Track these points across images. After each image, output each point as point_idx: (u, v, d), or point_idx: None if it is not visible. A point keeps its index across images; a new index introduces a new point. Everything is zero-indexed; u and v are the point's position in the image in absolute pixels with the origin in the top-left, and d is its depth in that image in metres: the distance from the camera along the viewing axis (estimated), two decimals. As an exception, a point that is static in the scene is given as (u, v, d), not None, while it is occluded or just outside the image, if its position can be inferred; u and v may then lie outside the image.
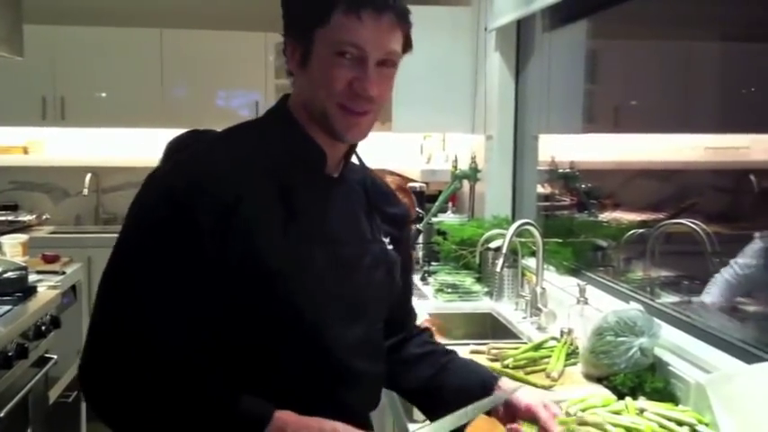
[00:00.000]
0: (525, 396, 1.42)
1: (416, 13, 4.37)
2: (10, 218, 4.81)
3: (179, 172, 1.19)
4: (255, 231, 1.18)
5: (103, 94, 4.97)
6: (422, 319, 2.73)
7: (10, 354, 2.40)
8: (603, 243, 2.94)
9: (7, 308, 2.63)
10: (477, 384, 1.44)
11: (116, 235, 1.26)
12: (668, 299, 2.41)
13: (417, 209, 3.67)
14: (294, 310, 1.21)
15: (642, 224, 3.04)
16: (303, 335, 1.23)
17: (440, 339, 2.41)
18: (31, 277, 2.99)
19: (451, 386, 1.45)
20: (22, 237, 3.48)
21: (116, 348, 1.15)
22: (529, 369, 2.05)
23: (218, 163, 1.20)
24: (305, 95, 1.25)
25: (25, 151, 5.16)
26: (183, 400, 1.14)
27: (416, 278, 3.34)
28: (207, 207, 1.14)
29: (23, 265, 2.95)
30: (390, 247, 1.40)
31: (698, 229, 2.47)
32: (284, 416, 1.15)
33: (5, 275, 2.77)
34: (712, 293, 2.38)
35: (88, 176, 5.01)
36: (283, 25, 1.25)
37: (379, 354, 1.41)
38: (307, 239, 1.23)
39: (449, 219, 3.67)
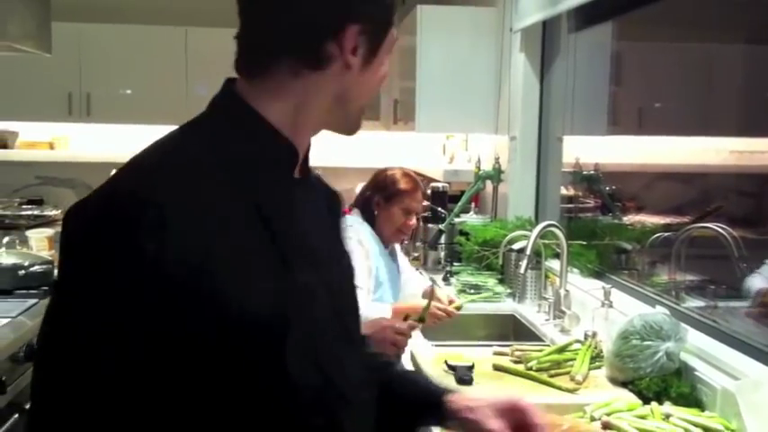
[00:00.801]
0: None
1: (441, 14, 4.41)
2: (36, 212, 4.85)
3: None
4: (234, 279, 0.89)
5: (128, 91, 5.02)
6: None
7: (36, 347, 2.42)
8: (628, 246, 2.93)
9: (33, 301, 2.66)
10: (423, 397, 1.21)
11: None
12: (694, 303, 2.39)
13: (440, 209, 3.67)
14: (314, 373, 0.96)
15: (666, 227, 3.02)
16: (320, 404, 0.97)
17: (461, 341, 2.42)
18: (57, 271, 3.01)
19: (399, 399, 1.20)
20: (48, 231, 3.51)
21: None
22: (553, 372, 2.05)
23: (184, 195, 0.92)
24: (344, 90, 1.04)
25: (51, 147, 5.22)
26: None
27: (439, 278, 3.35)
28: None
29: (50, 259, 2.98)
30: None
31: (724, 233, 2.44)
32: None
33: (32, 269, 2.80)
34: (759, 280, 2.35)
35: (112, 172, 5.02)
36: (356, 13, 1.00)
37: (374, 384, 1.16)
38: (296, 269, 0.97)
39: (471, 219, 3.67)
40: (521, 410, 1.13)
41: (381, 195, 2.69)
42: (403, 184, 2.69)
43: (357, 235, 2.57)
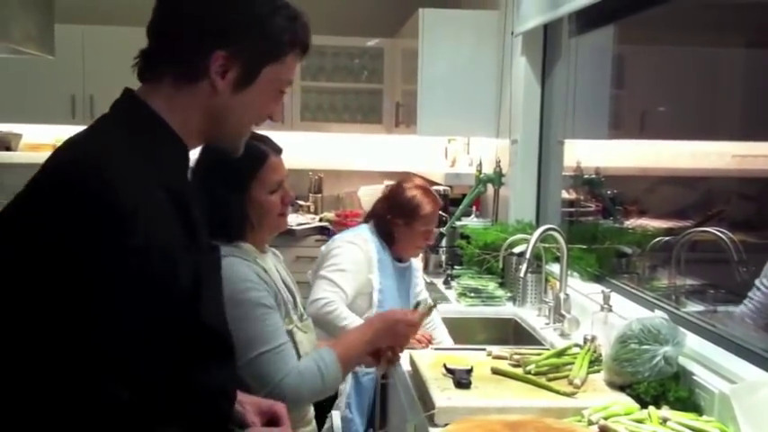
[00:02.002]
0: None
1: (443, 17, 4.42)
2: (38, 214, 4.87)
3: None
4: (164, 252, 1.08)
5: (131, 94, 5.03)
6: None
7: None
8: (628, 250, 2.93)
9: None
10: None
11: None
12: (693, 308, 2.39)
13: (441, 212, 3.67)
14: (214, 333, 1.20)
15: (668, 231, 3.01)
16: (222, 359, 1.22)
17: (461, 344, 2.43)
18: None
19: None
20: (50, 234, 3.52)
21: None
22: (551, 376, 2.04)
23: (111, 185, 1.07)
24: (216, 110, 1.20)
25: (54, 149, 5.22)
26: None
27: (439, 282, 3.35)
28: (140, 240, 1.05)
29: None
30: None
31: (724, 237, 2.44)
32: None
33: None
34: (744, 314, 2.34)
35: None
36: (220, 38, 1.17)
37: None
38: (199, 250, 1.18)
39: (472, 223, 3.67)
40: (276, 415, 1.40)
41: (403, 218, 2.67)
42: (427, 208, 2.69)
43: (364, 244, 2.57)
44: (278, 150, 1.93)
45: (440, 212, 3.68)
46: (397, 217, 2.67)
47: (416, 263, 2.90)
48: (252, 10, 1.19)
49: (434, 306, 2.15)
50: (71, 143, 1.17)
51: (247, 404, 1.37)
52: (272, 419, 1.40)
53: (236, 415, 1.32)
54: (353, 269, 2.50)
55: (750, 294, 2.23)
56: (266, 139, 1.91)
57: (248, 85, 1.20)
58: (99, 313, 1.02)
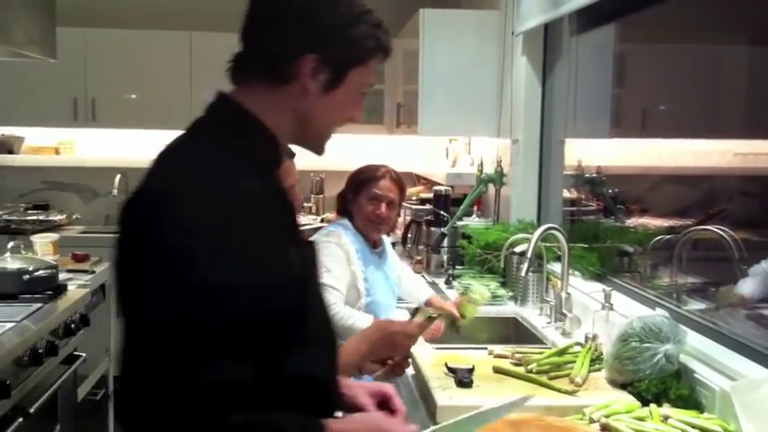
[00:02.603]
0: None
1: (443, 17, 4.41)
2: (41, 217, 4.89)
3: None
4: (272, 244, 1.20)
5: (133, 96, 5.04)
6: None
7: (40, 351, 2.44)
8: (629, 249, 2.93)
9: (38, 305, 2.68)
10: None
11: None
12: (695, 306, 2.39)
13: (442, 212, 3.68)
14: (321, 319, 1.33)
15: (669, 230, 3.01)
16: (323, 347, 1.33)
17: (462, 343, 2.43)
18: (62, 276, 3.04)
19: None
20: (53, 236, 3.54)
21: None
22: (553, 374, 2.05)
23: (226, 182, 1.17)
24: (306, 111, 1.27)
25: (56, 152, 5.25)
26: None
27: (441, 282, 3.35)
28: (236, 227, 1.14)
29: (54, 263, 3.00)
30: None
31: (725, 235, 2.44)
32: (334, 426, 1.20)
33: (36, 274, 2.82)
34: (749, 285, 2.35)
35: (118, 177, 5.08)
36: (311, 42, 1.23)
37: None
38: (299, 243, 1.30)
39: (474, 222, 3.67)
40: (386, 396, 1.43)
41: (350, 190, 2.67)
42: (365, 173, 2.66)
43: (338, 239, 2.56)
44: (291, 154, 1.94)
45: (434, 208, 3.69)
46: (346, 192, 2.69)
47: (387, 242, 2.84)
48: (341, 16, 1.25)
49: (434, 317, 2.14)
50: (175, 149, 1.25)
51: (356, 387, 1.43)
52: (382, 402, 1.43)
53: (345, 399, 1.39)
54: (336, 266, 2.49)
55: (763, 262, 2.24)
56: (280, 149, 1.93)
57: (336, 88, 1.26)
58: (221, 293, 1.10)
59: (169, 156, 1.24)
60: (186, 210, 1.11)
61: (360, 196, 2.63)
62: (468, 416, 1.34)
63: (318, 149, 1.35)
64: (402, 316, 2.48)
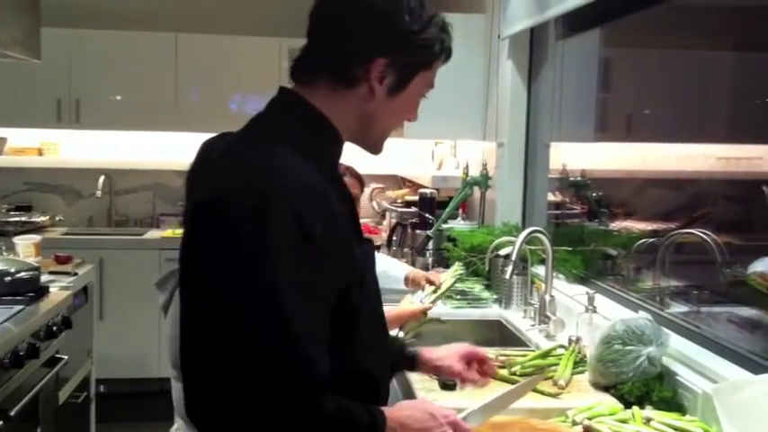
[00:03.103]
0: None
1: (429, 21, 4.27)
2: (24, 218, 4.85)
3: (290, 193, 1.15)
4: (346, 242, 1.23)
5: (118, 97, 5.01)
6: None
7: (21, 353, 2.42)
8: (613, 252, 2.94)
9: (19, 307, 2.66)
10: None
11: (128, 237, 1.25)
12: (677, 309, 2.41)
13: (428, 215, 3.67)
14: (375, 314, 1.38)
15: (653, 233, 3.03)
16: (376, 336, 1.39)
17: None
18: (44, 278, 3.01)
19: None
20: (36, 237, 3.51)
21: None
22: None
23: (312, 179, 1.18)
24: (369, 114, 1.29)
25: (40, 153, 5.21)
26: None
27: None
28: (322, 224, 1.16)
29: (36, 265, 2.98)
30: None
31: (708, 239, 2.46)
32: (390, 415, 1.25)
33: (18, 275, 2.79)
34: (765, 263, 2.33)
35: (101, 179, 5.05)
36: (383, 46, 1.25)
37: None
38: (360, 242, 1.32)
39: (459, 225, 3.67)
40: (476, 356, 1.62)
41: None
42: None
43: None
44: None
45: (419, 211, 3.69)
46: None
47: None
48: (415, 20, 1.26)
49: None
50: (253, 148, 1.24)
51: (450, 357, 1.60)
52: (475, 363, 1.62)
53: (442, 370, 1.60)
54: None
55: None
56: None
57: (401, 91, 1.29)
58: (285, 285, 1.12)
59: (247, 154, 1.23)
60: (282, 207, 1.12)
61: None
62: (499, 396, 1.49)
63: (377, 150, 1.37)
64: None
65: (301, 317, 1.12)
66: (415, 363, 1.63)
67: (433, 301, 2.54)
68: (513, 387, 1.57)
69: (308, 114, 1.27)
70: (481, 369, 1.65)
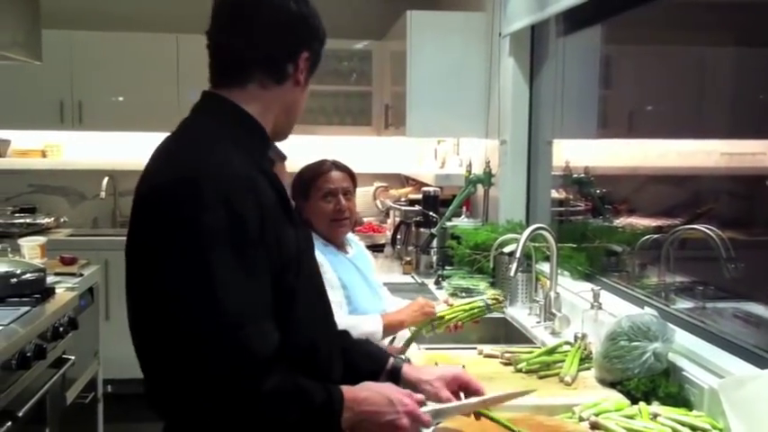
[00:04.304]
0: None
1: (431, 19, 4.42)
2: (28, 220, 4.86)
3: (212, 179, 1.21)
4: (277, 227, 1.27)
5: (120, 99, 5.02)
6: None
7: (28, 354, 2.43)
8: (618, 248, 2.94)
9: (26, 309, 2.67)
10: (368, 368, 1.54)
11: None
12: (683, 304, 2.41)
13: (431, 213, 3.68)
14: (316, 296, 1.40)
15: (657, 230, 3.03)
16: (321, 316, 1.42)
17: (452, 343, 2.43)
18: (49, 279, 3.02)
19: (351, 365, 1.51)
20: (41, 239, 3.52)
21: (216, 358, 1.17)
22: (542, 373, 2.06)
23: (240, 169, 1.25)
24: (293, 103, 1.41)
25: (43, 155, 5.22)
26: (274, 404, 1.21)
27: (430, 282, 3.36)
28: (253, 209, 1.22)
29: (42, 266, 2.98)
30: None
31: (712, 234, 2.46)
32: (348, 394, 1.26)
33: (24, 277, 2.80)
34: None
35: (105, 180, 5.06)
36: (305, 39, 1.38)
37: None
38: (296, 225, 1.37)
39: (463, 223, 3.68)
40: (467, 384, 1.51)
41: (299, 197, 2.42)
42: (308, 172, 2.44)
43: None
44: (283, 157, 1.93)
45: (423, 209, 3.69)
46: (297, 200, 2.41)
47: (362, 245, 2.69)
48: (309, 11, 1.38)
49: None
50: (185, 145, 1.32)
51: (436, 381, 1.49)
52: (462, 387, 1.51)
53: (429, 394, 1.46)
54: None
55: None
56: (271, 146, 1.91)
57: (311, 77, 1.42)
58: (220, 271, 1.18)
59: (179, 151, 1.31)
60: (211, 195, 1.19)
61: (312, 199, 2.42)
62: (474, 401, 1.46)
63: (287, 136, 1.47)
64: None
65: (237, 298, 1.17)
66: (398, 377, 1.53)
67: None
68: (492, 395, 1.50)
69: (237, 114, 1.35)
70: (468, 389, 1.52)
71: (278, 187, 1.33)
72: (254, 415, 1.18)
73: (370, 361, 1.55)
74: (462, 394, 1.52)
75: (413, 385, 1.49)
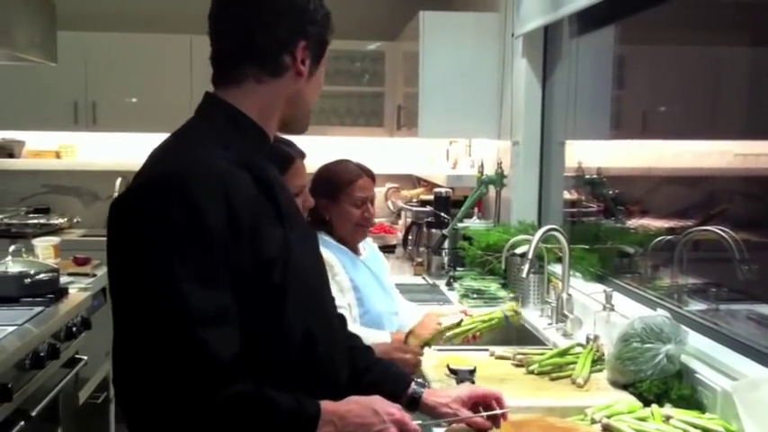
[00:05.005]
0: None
1: (443, 19, 4.42)
2: (42, 221, 4.89)
3: (185, 181, 1.20)
4: (259, 224, 1.25)
5: (134, 100, 5.05)
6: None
7: (42, 354, 2.45)
8: (630, 250, 2.93)
9: (39, 309, 2.69)
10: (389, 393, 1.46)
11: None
12: (696, 306, 2.39)
13: (443, 214, 3.68)
14: (310, 295, 1.36)
15: (670, 231, 3.01)
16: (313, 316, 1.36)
17: (465, 344, 2.42)
18: (63, 279, 3.04)
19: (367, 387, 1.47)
20: (54, 239, 3.54)
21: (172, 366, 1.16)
22: (554, 375, 2.05)
23: (215, 167, 1.23)
24: (297, 95, 1.36)
25: (57, 155, 5.25)
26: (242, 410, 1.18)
27: (442, 284, 3.35)
28: (219, 207, 1.19)
29: (55, 267, 3.00)
30: None
31: (726, 236, 2.44)
32: (329, 407, 1.24)
33: (38, 277, 2.82)
34: None
35: (119, 180, 5.08)
36: (300, 29, 1.33)
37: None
38: (290, 227, 1.33)
39: (474, 224, 3.68)
40: (484, 398, 1.51)
41: (326, 197, 2.40)
42: (341, 177, 2.43)
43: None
44: (302, 155, 1.94)
45: (434, 210, 3.69)
46: (320, 198, 2.32)
47: (375, 246, 2.67)
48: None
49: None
50: (172, 147, 1.32)
51: (452, 403, 1.49)
52: (477, 403, 1.52)
53: (448, 416, 1.48)
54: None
55: None
56: (292, 144, 1.92)
57: (317, 67, 1.38)
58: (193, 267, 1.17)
59: (161, 153, 1.30)
60: (194, 190, 1.17)
61: (341, 203, 2.41)
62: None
63: (305, 128, 1.44)
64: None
65: (194, 302, 1.15)
66: (417, 405, 1.53)
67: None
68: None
69: (229, 113, 1.33)
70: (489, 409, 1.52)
71: (267, 184, 1.30)
72: (213, 422, 1.16)
73: (392, 384, 1.53)
74: (481, 408, 1.53)
75: (432, 409, 1.51)
